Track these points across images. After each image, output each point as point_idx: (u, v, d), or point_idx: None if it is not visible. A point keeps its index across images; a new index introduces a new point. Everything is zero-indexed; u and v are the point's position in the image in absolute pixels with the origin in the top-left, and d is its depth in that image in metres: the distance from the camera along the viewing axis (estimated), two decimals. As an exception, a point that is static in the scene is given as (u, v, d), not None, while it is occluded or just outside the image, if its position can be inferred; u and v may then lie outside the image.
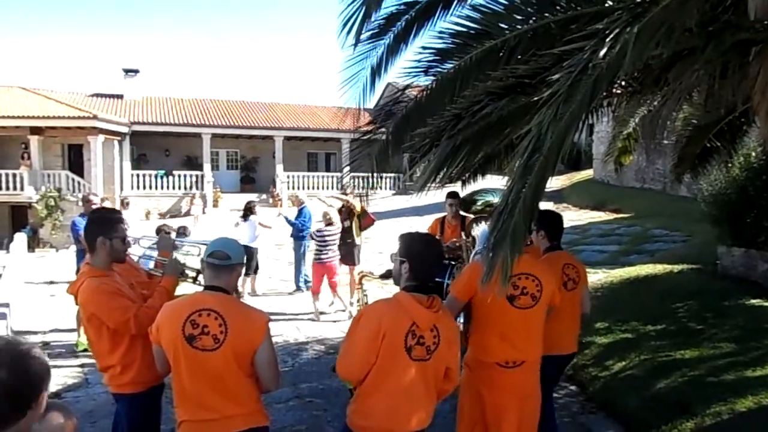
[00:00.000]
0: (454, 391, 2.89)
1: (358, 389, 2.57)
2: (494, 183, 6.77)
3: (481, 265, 3.31)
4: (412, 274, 2.59)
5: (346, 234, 8.38)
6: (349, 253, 8.40)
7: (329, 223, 8.14)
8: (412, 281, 2.59)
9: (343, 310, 8.22)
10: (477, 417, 3.16)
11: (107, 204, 9.80)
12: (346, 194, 8.54)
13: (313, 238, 8.25)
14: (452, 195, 6.36)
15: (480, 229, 4.02)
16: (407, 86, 4.33)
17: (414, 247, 2.65)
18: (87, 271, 3.01)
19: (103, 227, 3.07)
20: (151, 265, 3.54)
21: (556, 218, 3.94)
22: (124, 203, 12.18)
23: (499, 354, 3.07)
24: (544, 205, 4.03)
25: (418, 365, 2.48)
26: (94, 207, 6.88)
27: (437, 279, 5.03)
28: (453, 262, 5.46)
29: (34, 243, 19.89)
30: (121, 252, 3.10)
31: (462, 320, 3.39)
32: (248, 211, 9.43)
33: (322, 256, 8.05)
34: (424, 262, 2.61)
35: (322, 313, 8.14)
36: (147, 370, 2.94)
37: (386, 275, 8.20)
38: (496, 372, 3.08)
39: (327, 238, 8.08)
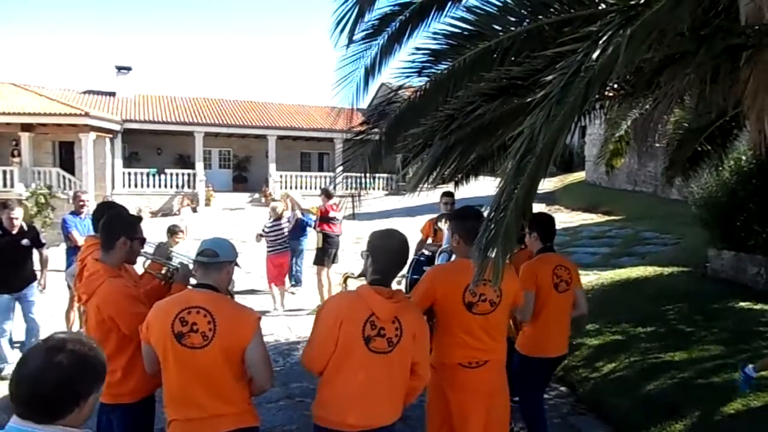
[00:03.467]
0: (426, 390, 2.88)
1: (319, 380, 2.59)
2: (486, 190, 6.77)
3: (443, 270, 3.34)
4: (374, 268, 2.63)
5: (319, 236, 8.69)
6: (320, 255, 8.53)
7: (278, 218, 8.59)
8: (375, 275, 2.62)
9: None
10: (444, 417, 3.14)
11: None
12: (330, 196, 8.56)
13: (263, 235, 8.66)
14: (448, 194, 6.36)
15: (446, 227, 4.03)
16: (401, 87, 4.34)
17: (375, 242, 2.69)
18: (103, 270, 2.92)
19: (127, 227, 3.07)
20: (146, 264, 3.51)
21: (549, 220, 3.99)
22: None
23: (460, 356, 3.06)
24: (535, 207, 4.05)
25: (379, 358, 2.48)
26: (81, 204, 6.80)
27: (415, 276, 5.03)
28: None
29: (23, 240, 19.70)
30: (137, 253, 3.11)
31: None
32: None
33: (276, 249, 8.48)
34: (385, 255, 2.65)
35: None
36: (148, 380, 2.86)
37: (362, 274, 8.31)
38: (459, 372, 3.06)
39: (278, 232, 8.52)
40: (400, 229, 2.88)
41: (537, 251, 3.84)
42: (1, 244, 5.77)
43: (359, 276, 5.93)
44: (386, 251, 2.66)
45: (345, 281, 6.79)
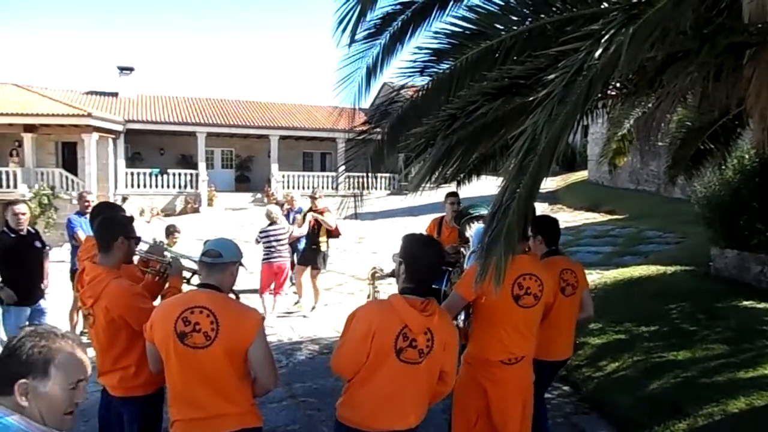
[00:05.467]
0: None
1: (348, 383, 2.60)
2: (488, 189, 6.77)
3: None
4: (408, 276, 2.59)
5: (314, 238, 8.33)
6: (313, 257, 8.35)
7: (272, 222, 8.04)
8: (409, 283, 2.59)
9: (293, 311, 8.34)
10: (479, 411, 3.19)
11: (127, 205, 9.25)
12: (315, 198, 8.50)
13: (258, 241, 8.14)
14: (452, 194, 6.33)
15: (474, 229, 4.01)
16: (403, 86, 4.33)
17: (412, 249, 2.64)
18: (105, 273, 2.96)
19: (123, 227, 3.11)
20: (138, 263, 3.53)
21: (553, 223, 3.94)
22: (123, 200, 12.27)
23: (502, 351, 3.12)
24: (538, 206, 4.03)
25: (408, 368, 2.49)
26: (86, 204, 6.81)
27: (434, 286, 4.99)
28: (450, 268, 5.39)
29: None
30: (133, 253, 3.16)
31: (462, 317, 3.40)
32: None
33: (271, 258, 7.94)
34: (422, 265, 2.60)
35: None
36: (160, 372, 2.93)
37: (391, 275, 8.30)
38: (499, 369, 3.13)
39: (272, 238, 7.96)
40: (402, 229, 2.87)
41: (543, 255, 3.79)
42: (14, 246, 5.43)
43: (387, 276, 5.89)
44: (424, 261, 2.60)
45: (372, 276, 6.75)
